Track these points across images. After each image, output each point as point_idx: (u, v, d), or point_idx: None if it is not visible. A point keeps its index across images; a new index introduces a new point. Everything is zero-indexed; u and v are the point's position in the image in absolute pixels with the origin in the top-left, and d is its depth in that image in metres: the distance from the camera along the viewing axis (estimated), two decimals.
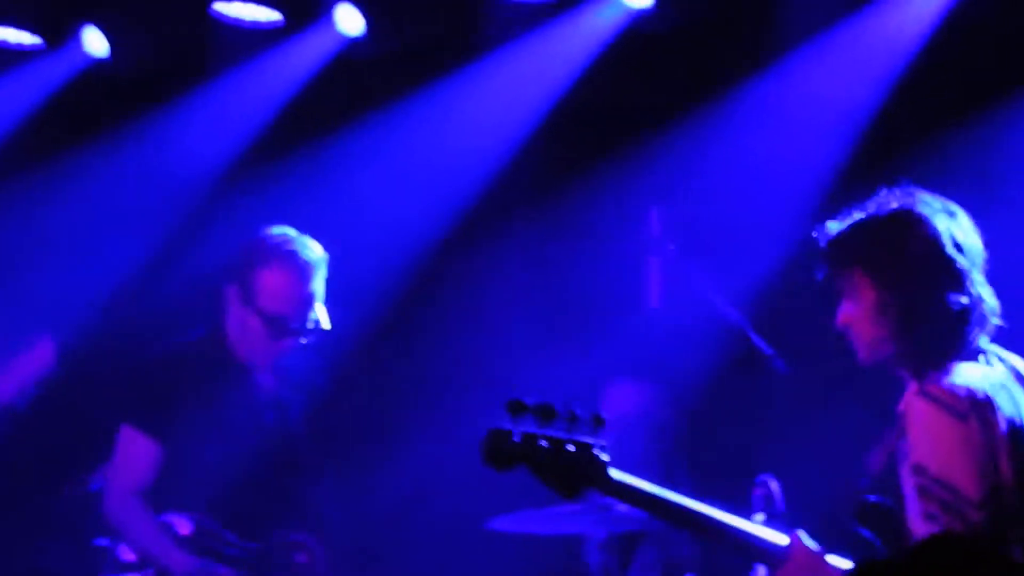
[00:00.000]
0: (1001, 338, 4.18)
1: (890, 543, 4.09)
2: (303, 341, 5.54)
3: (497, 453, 3.92)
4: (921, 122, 6.49)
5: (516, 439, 3.93)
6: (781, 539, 4.00)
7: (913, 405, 4.04)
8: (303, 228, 7.16)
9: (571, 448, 3.94)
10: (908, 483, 4.04)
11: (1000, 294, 4.15)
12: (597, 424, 3.95)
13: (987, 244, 4.18)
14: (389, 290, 7.29)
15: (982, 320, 4.16)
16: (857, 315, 4.18)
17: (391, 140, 7.32)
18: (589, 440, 3.94)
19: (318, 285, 5.57)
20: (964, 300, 4.12)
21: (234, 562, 5.33)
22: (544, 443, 3.92)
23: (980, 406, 4.06)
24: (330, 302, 5.65)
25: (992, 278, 4.15)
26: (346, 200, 7.28)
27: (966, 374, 4.10)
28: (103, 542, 5.81)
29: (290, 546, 5.44)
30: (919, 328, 4.12)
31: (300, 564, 5.44)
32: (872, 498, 4.12)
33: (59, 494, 6.25)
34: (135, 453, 5.43)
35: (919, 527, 4.01)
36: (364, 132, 7.35)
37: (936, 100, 6.57)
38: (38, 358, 5.40)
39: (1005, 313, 4.14)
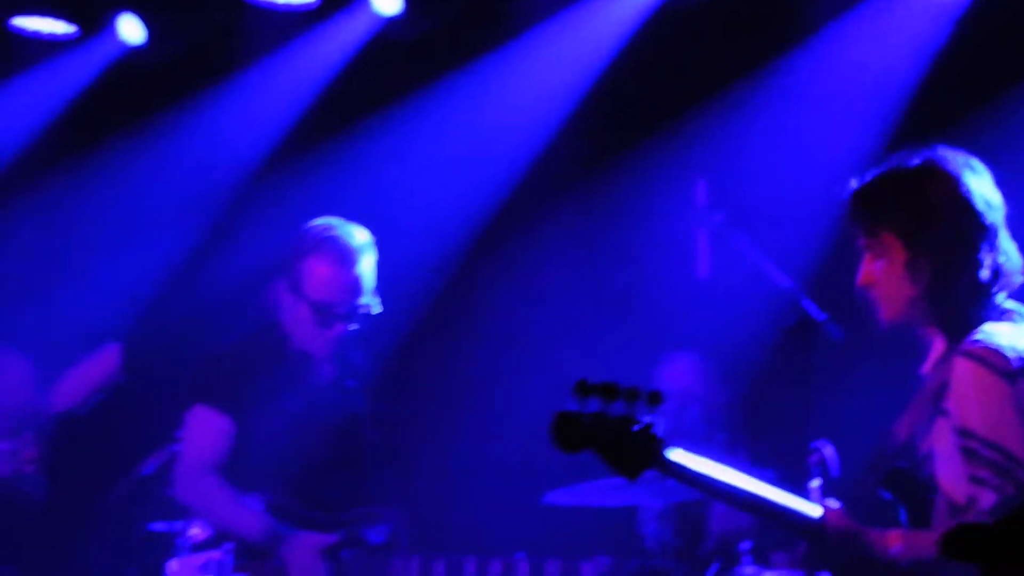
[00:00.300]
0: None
1: (914, 510, 4.05)
2: (353, 327, 5.55)
3: (566, 435, 3.87)
4: (965, 91, 6.44)
5: (584, 421, 3.88)
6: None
7: (959, 366, 4.00)
8: (344, 214, 7.20)
9: (635, 428, 3.90)
10: (948, 446, 3.99)
11: None
12: (656, 401, 3.91)
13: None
14: (437, 273, 7.29)
15: (1009, 278, 4.11)
16: (883, 274, 4.11)
17: (431, 122, 7.32)
18: (649, 419, 3.90)
19: (364, 270, 5.61)
20: (993, 257, 4.07)
21: (315, 527, 5.38)
22: (610, 424, 3.88)
23: None
24: (380, 287, 5.68)
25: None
26: (390, 183, 7.30)
27: (1007, 334, 4.06)
28: (160, 526, 5.83)
29: (367, 518, 5.49)
30: (952, 288, 4.07)
31: (377, 536, 5.48)
32: (901, 464, 4.08)
33: (111, 487, 6.28)
34: (209, 430, 5.51)
35: (961, 491, 3.96)
36: (403, 114, 7.35)
37: (979, 69, 6.51)
38: (103, 365, 5.44)
39: None
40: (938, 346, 4.13)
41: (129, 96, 7.35)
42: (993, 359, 3.99)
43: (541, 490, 5.55)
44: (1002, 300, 4.12)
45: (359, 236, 5.67)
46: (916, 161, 4.15)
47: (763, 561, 5.27)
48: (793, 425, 4.30)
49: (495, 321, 7.24)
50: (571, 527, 6.18)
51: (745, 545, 5.44)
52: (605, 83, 7.16)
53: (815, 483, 4.10)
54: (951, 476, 3.99)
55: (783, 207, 6.61)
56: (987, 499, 3.93)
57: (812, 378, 4.53)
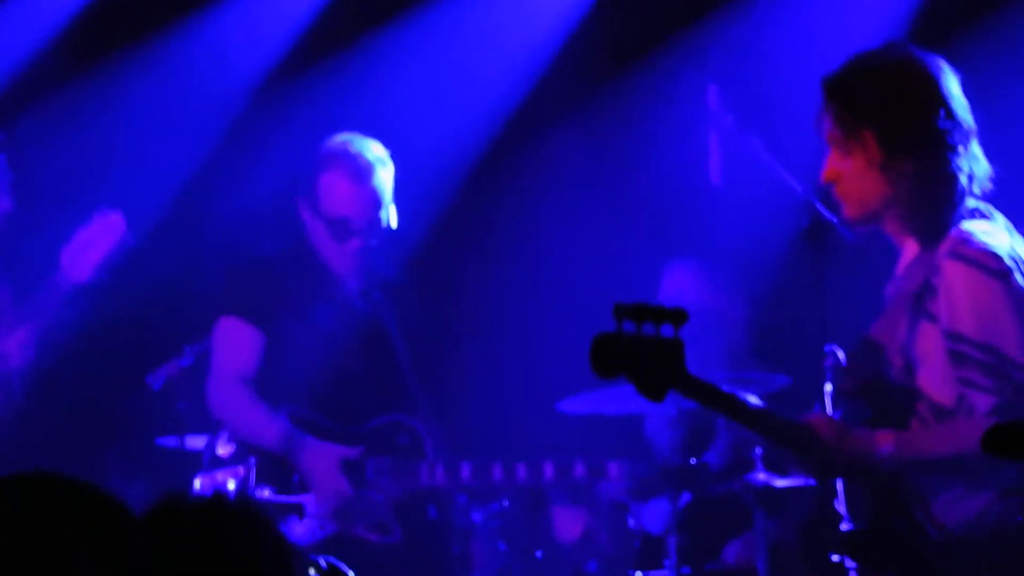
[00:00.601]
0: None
1: (890, 416, 4.02)
2: (372, 242, 5.52)
3: (601, 360, 3.83)
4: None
5: (618, 344, 3.83)
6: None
7: (950, 269, 3.95)
8: (355, 129, 7.15)
9: (661, 349, 3.85)
10: (934, 349, 3.96)
11: None
12: (680, 320, 3.86)
13: None
14: (449, 189, 7.25)
15: (979, 183, 4.06)
16: (854, 172, 4.05)
17: (440, 33, 7.24)
18: (673, 335, 3.85)
19: (380, 184, 5.61)
20: (969, 162, 4.02)
21: (338, 439, 5.38)
22: (639, 346, 3.84)
23: (1015, 264, 3.99)
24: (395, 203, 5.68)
25: None
26: (398, 99, 7.23)
27: (990, 232, 4.02)
28: (170, 441, 5.81)
29: (391, 428, 5.49)
30: (932, 192, 4.01)
31: (403, 444, 5.49)
32: (879, 370, 4.06)
33: (125, 395, 6.26)
34: (239, 342, 5.54)
35: (949, 393, 3.94)
36: (410, 28, 7.26)
37: None
38: (107, 230, 5.41)
39: None
40: (911, 248, 4.08)
41: (132, 11, 7.25)
42: (985, 260, 3.97)
43: (557, 398, 5.55)
44: (970, 202, 4.08)
45: (374, 150, 5.66)
46: (895, 58, 4.07)
47: (774, 468, 5.26)
48: (807, 329, 4.26)
49: (508, 233, 7.21)
50: (586, 434, 6.17)
51: (756, 451, 5.43)
52: None
53: (828, 387, 4.08)
54: (937, 379, 3.98)
55: (796, 111, 6.53)
56: (982, 401, 3.92)
57: (825, 281, 4.48)
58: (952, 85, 4.06)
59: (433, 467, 5.40)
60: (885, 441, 3.95)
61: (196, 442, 5.80)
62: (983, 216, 4.08)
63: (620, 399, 5.71)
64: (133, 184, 6.91)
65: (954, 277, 3.97)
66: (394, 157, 5.80)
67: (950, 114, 4.02)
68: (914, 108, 4.00)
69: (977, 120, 4.10)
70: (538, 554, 5.59)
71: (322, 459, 5.32)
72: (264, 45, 7.29)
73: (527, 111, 7.20)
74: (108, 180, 7.04)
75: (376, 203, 5.60)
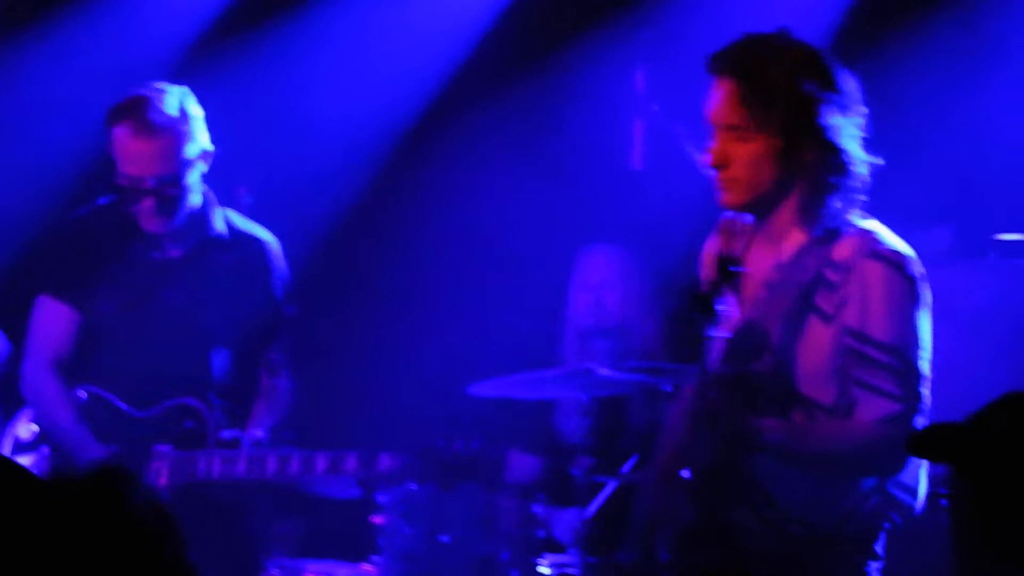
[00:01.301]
0: None
1: (757, 403, 4.01)
2: (167, 204, 5.14)
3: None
4: None
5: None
6: None
7: (870, 268, 3.92)
8: (273, 109, 7.06)
9: None
10: (822, 346, 3.94)
11: None
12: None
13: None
14: (369, 170, 7.19)
15: (863, 176, 4.02)
16: (747, 157, 3.97)
17: (361, 14, 7.15)
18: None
19: (172, 138, 5.13)
20: (858, 153, 3.99)
21: (124, 424, 5.10)
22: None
23: (923, 272, 3.99)
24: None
25: None
26: (317, 78, 7.15)
27: (892, 234, 4.01)
28: None
29: (179, 411, 5.19)
30: (826, 177, 3.96)
31: (187, 429, 5.20)
32: (747, 367, 4.03)
33: None
34: (53, 321, 5.22)
35: (831, 392, 3.92)
36: (329, 8, 7.16)
37: None
38: None
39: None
40: (795, 237, 4.03)
41: None
42: (902, 262, 3.95)
43: (466, 381, 5.50)
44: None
45: (167, 100, 5.16)
46: (796, 44, 4.01)
47: None
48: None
49: (427, 215, 7.15)
50: (493, 419, 6.13)
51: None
52: None
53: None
54: (819, 375, 3.94)
55: None
56: (878, 406, 3.89)
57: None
58: (847, 76, 4.03)
59: (211, 458, 5.13)
60: (773, 429, 3.93)
61: None
62: (865, 215, 4.06)
63: (531, 384, 5.67)
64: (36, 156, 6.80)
65: (872, 277, 3.93)
66: (312, 137, 5.68)
67: (849, 106, 3.98)
68: (820, 95, 3.95)
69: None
70: (444, 538, 5.53)
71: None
72: (181, 21, 7.15)
73: (451, 92, 7.14)
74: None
75: (167, 159, 5.09)
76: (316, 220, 6.96)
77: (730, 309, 4.08)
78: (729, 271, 3.84)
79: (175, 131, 5.13)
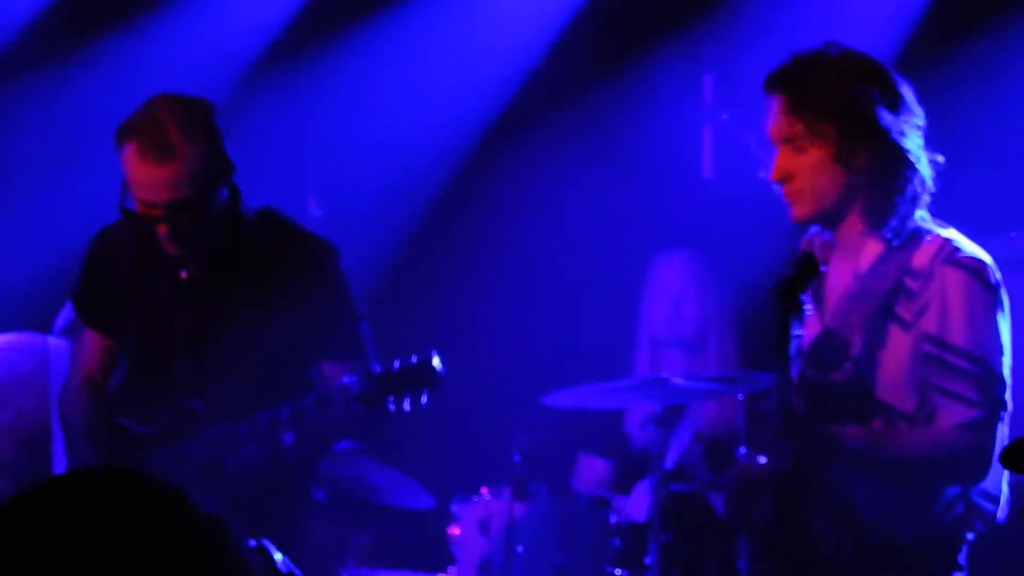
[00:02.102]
0: None
1: (836, 410, 3.99)
2: (184, 230, 4.57)
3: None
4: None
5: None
6: None
7: (950, 276, 3.91)
8: (340, 125, 7.05)
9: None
10: (904, 353, 3.92)
11: None
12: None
13: None
14: (442, 180, 7.21)
15: (929, 180, 4.01)
16: (810, 164, 3.95)
17: (434, 25, 7.18)
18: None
19: (183, 163, 4.50)
20: (922, 156, 3.98)
21: (133, 446, 4.90)
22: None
23: (1002, 280, 3.97)
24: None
25: None
26: (388, 93, 7.17)
27: (971, 243, 3.99)
28: None
29: (175, 416, 4.94)
30: (890, 181, 3.96)
31: (182, 429, 4.92)
32: (810, 374, 4.02)
33: None
34: (84, 347, 4.92)
35: (911, 399, 3.91)
36: (399, 23, 7.19)
37: None
38: None
39: None
40: (872, 247, 4.03)
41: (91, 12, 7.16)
42: (982, 270, 3.94)
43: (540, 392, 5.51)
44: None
45: (184, 116, 4.54)
46: (846, 53, 4.01)
47: None
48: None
49: (501, 227, 7.16)
50: (568, 429, 6.15)
51: (741, 451, 5.39)
52: None
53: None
54: (900, 383, 3.93)
55: None
56: (958, 412, 3.88)
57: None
58: (900, 81, 4.03)
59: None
60: (855, 436, 3.92)
61: None
62: (942, 224, 4.05)
63: (603, 394, 5.68)
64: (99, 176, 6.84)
65: (953, 284, 3.92)
66: (384, 147, 5.62)
67: (904, 106, 3.98)
68: (871, 97, 3.95)
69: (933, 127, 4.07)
70: (519, 548, 5.55)
71: None
72: (244, 39, 7.19)
73: (523, 101, 7.15)
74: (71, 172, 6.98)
75: (182, 184, 4.48)
76: (389, 230, 6.98)
77: (811, 320, 4.08)
78: (809, 267, 3.83)
79: (190, 153, 4.48)
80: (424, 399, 4.38)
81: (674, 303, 6.23)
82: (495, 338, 6.95)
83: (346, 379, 4.39)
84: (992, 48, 6.28)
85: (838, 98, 3.92)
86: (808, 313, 3.90)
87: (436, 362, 4.39)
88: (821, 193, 3.97)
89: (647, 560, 5.43)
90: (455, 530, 5.63)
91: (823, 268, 3.98)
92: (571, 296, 6.91)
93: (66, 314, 5.58)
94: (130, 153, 4.49)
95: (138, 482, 1.93)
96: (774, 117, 4.01)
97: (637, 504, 5.82)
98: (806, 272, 3.81)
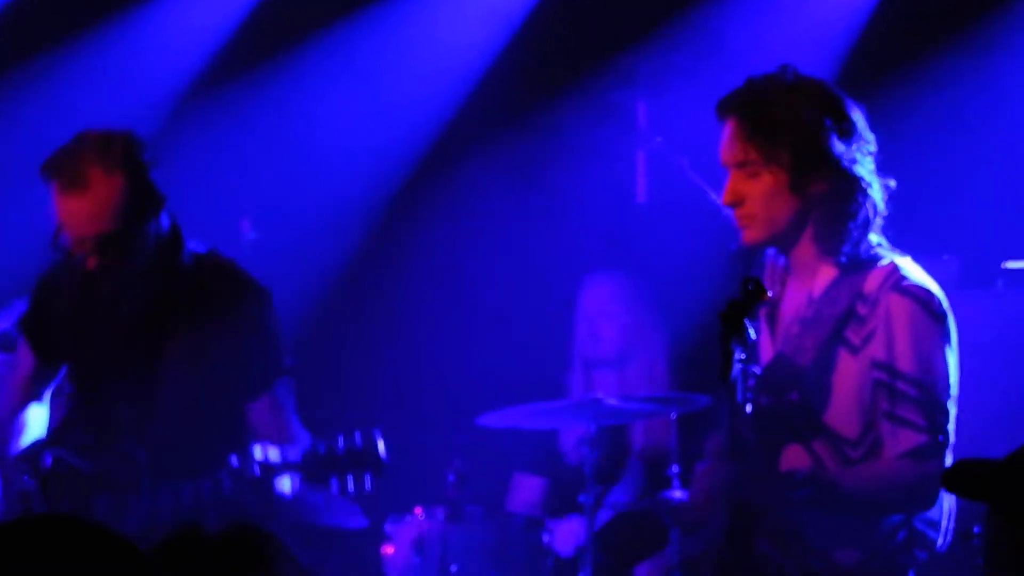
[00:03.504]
0: None
1: (782, 437, 4.00)
2: (113, 262, 4.61)
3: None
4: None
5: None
6: None
7: (895, 303, 3.93)
8: (275, 145, 7.02)
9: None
10: (852, 379, 3.94)
11: None
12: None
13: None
14: (374, 203, 7.20)
15: (880, 205, 4.04)
16: (761, 192, 3.96)
17: (365, 54, 7.18)
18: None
19: (109, 198, 4.54)
20: (874, 181, 4.00)
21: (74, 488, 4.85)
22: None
23: (949, 309, 4.00)
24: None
25: None
26: (321, 113, 7.15)
27: (921, 271, 4.02)
28: None
29: (116, 459, 4.88)
30: (844, 208, 3.98)
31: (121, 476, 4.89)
32: (764, 400, 4.02)
33: None
34: (22, 369, 4.94)
35: (855, 425, 3.92)
36: (333, 45, 7.19)
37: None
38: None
39: None
40: (825, 271, 4.05)
41: (45, 13, 7.11)
42: (928, 299, 3.96)
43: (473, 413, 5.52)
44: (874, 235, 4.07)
45: (104, 150, 4.59)
46: (800, 79, 4.03)
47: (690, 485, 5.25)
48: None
49: (435, 248, 7.16)
50: (501, 449, 6.16)
51: (673, 469, 5.42)
52: (545, 3, 7.06)
53: (749, 408, 4.04)
54: (845, 409, 3.95)
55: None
56: (908, 439, 3.90)
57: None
58: (852, 107, 4.05)
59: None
60: (803, 477, 3.93)
61: None
62: (898, 251, 4.08)
63: (539, 415, 5.69)
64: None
65: (898, 311, 3.94)
66: (318, 171, 5.59)
67: (857, 135, 4.00)
68: (827, 125, 3.97)
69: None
70: (453, 568, 5.55)
71: None
72: (176, 62, 7.15)
73: (455, 125, 7.16)
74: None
75: (103, 217, 4.54)
76: (324, 252, 6.96)
77: (764, 344, 4.10)
78: (752, 291, 3.82)
79: (106, 186, 4.53)
80: (368, 484, 4.41)
81: (597, 324, 6.25)
82: (429, 359, 6.95)
83: (287, 453, 4.41)
84: (919, 69, 6.37)
85: (793, 126, 3.93)
86: (756, 338, 3.91)
87: (380, 445, 4.40)
88: (773, 218, 3.98)
89: None
90: (389, 549, 5.62)
91: (772, 294, 3.98)
92: (506, 317, 6.92)
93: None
94: (53, 190, 4.56)
95: (90, 531, 1.92)
96: (728, 142, 4.02)
97: (565, 538, 5.85)
98: (753, 297, 3.81)
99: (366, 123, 7.16)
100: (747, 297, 3.78)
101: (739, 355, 3.74)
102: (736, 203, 4.01)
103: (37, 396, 4.93)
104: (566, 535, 5.84)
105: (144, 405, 4.69)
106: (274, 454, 4.42)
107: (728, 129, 4.02)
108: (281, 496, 4.51)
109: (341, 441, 4.38)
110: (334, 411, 6.40)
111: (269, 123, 7.13)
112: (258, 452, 4.43)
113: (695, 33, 6.81)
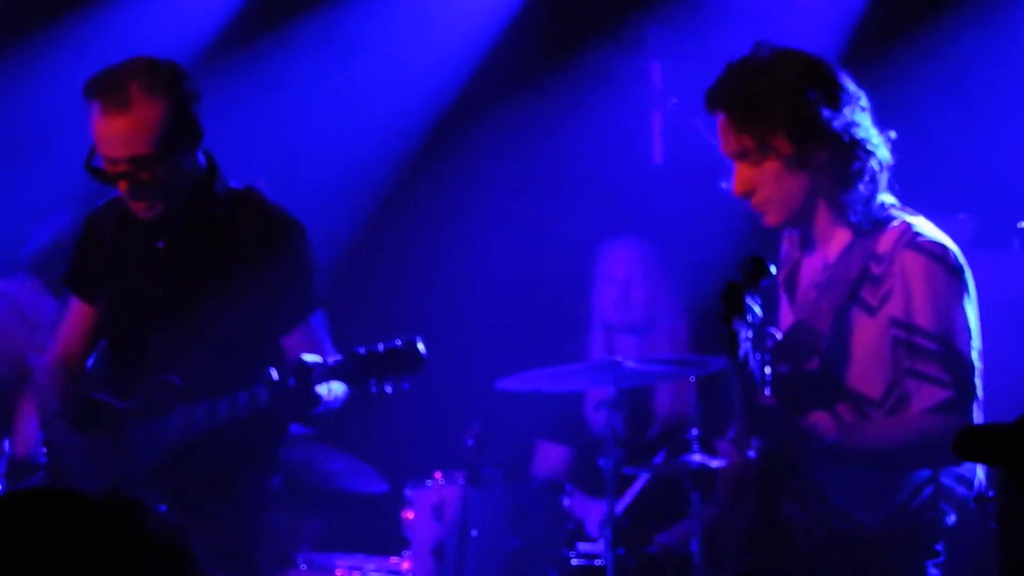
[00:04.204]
0: None
1: (805, 400, 4.01)
2: (143, 188, 4.65)
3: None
4: None
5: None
6: None
7: (910, 260, 3.94)
8: (289, 112, 7.02)
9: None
10: (871, 338, 3.95)
11: None
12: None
13: None
14: (393, 167, 7.20)
15: (886, 161, 4.04)
16: (768, 176, 3.98)
17: (378, 19, 7.17)
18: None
19: (141, 116, 4.59)
20: (875, 139, 4.00)
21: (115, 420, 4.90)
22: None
23: (966, 263, 4.00)
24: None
25: None
26: (339, 80, 7.15)
27: (934, 228, 4.02)
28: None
29: (159, 389, 4.93)
30: (850, 171, 3.98)
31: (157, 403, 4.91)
32: (783, 368, 4.03)
33: None
34: (69, 317, 4.99)
35: (879, 384, 3.93)
36: (348, 11, 7.18)
37: None
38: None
39: None
40: (840, 236, 4.05)
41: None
42: (944, 254, 3.96)
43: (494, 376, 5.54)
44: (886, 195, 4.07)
45: (146, 75, 4.62)
46: (776, 54, 4.02)
47: (709, 449, 5.27)
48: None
49: (452, 214, 7.16)
50: (523, 414, 6.17)
51: (692, 432, 5.43)
52: None
53: (766, 370, 4.05)
54: (867, 369, 3.96)
55: None
56: (930, 394, 3.90)
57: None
58: (836, 69, 4.04)
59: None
60: (827, 428, 3.93)
61: None
62: (911, 210, 4.08)
63: (559, 378, 5.71)
64: (52, 165, 6.81)
65: (913, 268, 3.94)
66: (333, 139, 5.59)
67: (847, 95, 4.00)
68: (814, 95, 3.96)
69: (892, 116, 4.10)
70: (473, 532, 5.57)
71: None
72: (188, 32, 7.15)
73: (472, 89, 7.16)
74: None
75: (139, 139, 4.57)
76: (340, 219, 6.97)
77: (783, 312, 4.12)
78: (750, 270, 3.83)
79: (148, 108, 4.59)
80: (405, 383, 4.42)
81: (622, 289, 6.26)
82: (449, 324, 6.95)
83: (327, 358, 4.43)
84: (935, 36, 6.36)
85: (780, 108, 3.93)
86: (778, 307, 3.92)
87: (420, 347, 4.43)
88: (787, 198, 4.00)
89: (600, 543, 5.47)
90: (409, 514, 5.64)
91: (775, 268, 3.99)
92: (524, 281, 6.93)
93: None
94: (94, 108, 4.61)
95: (84, 503, 1.91)
96: (723, 135, 4.04)
97: (592, 519, 5.89)
98: (752, 276, 3.82)
99: (380, 88, 7.16)
100: (746, 276, 3.79)
101: (745, 333, 3.75)
102: (748, 192, 4.03)
103: (91, 348, 4.98)
104: (593, 516, 5.88)
105: (180, 338, 4.73)
106: (312, 359, 4.44)
107: (720, 123, 4.04)
108: (324, 402, 4.54)
109: (381, 345, 4.42)
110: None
111: (281, 94, 7.14)
112: (297, 360, 4.45)
113: None
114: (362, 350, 4.43)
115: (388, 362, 4.42)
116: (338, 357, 4.45)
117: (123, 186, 4.64)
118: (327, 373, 4.44)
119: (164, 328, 4.77)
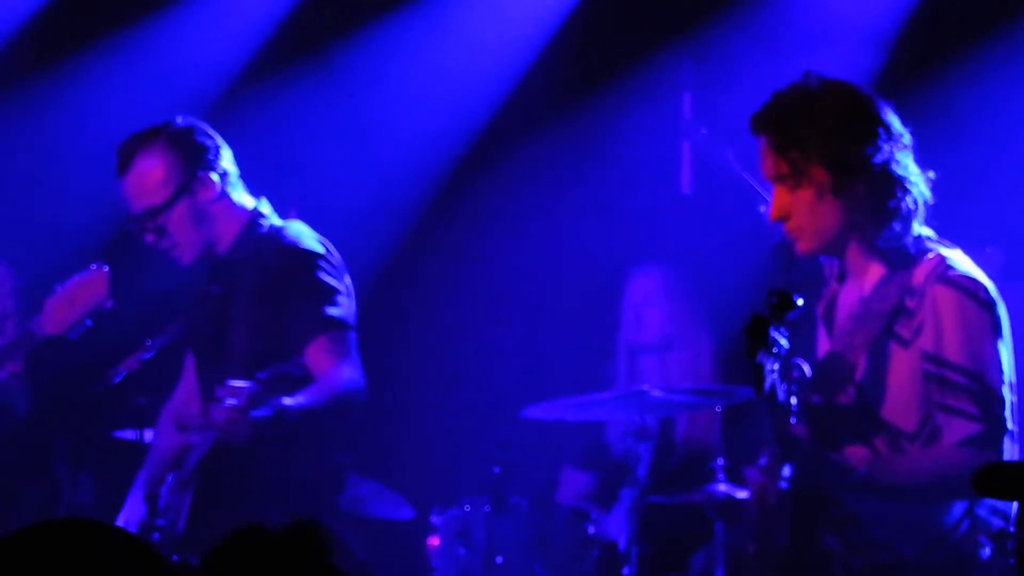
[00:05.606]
0: None
1: (839, 433, 4.00)
2: (163, 237, 5.13)
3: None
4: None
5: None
6: None
7: (941, 294, 3.94)
8: (327, 132, 7.06)
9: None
10: (905, 372, 3.94)
11: None
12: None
13: None
14: (421, 195, 7.23)
15: (925, 197, 4.04)
16: (804, 204, 4.00)
17: (412, 48, 7.21)
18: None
19: (140, 172, 5.12)
20: (913, 176, 4.01)
21: None
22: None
23: (998, 297, 4.00)
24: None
25: None
26: (372, 104, 7.19)
27: (969, 262, 4.02)
28: (128, 434, 5.74)
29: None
30: (887, 206, 3.99)
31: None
32: (815, 399, 4.02)
33: (83, 387, 6.19)
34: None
35: (914, 418, 3.92)
36: (382, 35, 7.22)
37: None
38: (91, 289, 5.27)
39: None
40: (875, 269, 4.06)
41: (88, 14, 7.17)
42: (975, 288, 3.96)
43: (520, 405, 5.54)
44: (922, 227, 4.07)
45: (150, 135, 5.17)
46: (823, 85, 4.03)
47: (735, 479, 5.26)
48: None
49: (482, 241, 7.18)
50: (547, 442, 6.17)
51: (718, 462, 5.43)
52: None
53: (794, 401, 4.05)
54: (902, 403, 3.95)
55: None
56: (960, 428, 3.90)
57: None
58: (882, 106, 4.06)
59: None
60: (859, 461, 3.93)
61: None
62: (946, 244, 4.08)
63: (582, 407, 5.71)
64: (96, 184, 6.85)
65: (944, 302, 3.95)
66: (364, 164, 5.64)
67: (889, 132, 4.01)
68: (856, 129, 3.98)
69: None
70: (498, 560, 5.57)
71: None
72: (224, 54, 7.21)
73: (501, 120, 7.18)
74: (68, 182, 7.00)
75: (144, 193, 5.08)
76: (369, 245, 6.99)
77: (821, 344, 4.12)
78: (776, 303, 3.83)
79: (147, 163, 5.08)
80: None
81: (641, 310, 6.27)
82: (476, 351, 6.97)
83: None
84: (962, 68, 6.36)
85: (824, 137, 3.95)
86: (782, 335, 3.91)
87: None
88: (821, 227, 4.02)
89: (625, 571, 5.46)
90: (434, 541, 5.65)
91: (803, 302, 3.98)
92: (552, 310, 6.94)
93: None
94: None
95: (108, 535, 1.93)
96: (764, 158, 4.07)
97: (616, 523, 5.86)
98: (778, 310, 3.82)
99: (411, 116, 7.19)
100: (772, 310, 3.79)
101: (771, 365, 3.75)
102: (783, 217, 4.05)
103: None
104: (617, 523, 5.87)
105: (223, 365, 5.08)
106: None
107: (763, 146, 4.06)
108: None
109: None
110: (380, 403, 6.45)
111: (315, 115, 7.17)
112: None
113: (740, 24, 6.81)
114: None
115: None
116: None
117: (149, 239, 5.12)
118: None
119: (209, 357, 5.22)
